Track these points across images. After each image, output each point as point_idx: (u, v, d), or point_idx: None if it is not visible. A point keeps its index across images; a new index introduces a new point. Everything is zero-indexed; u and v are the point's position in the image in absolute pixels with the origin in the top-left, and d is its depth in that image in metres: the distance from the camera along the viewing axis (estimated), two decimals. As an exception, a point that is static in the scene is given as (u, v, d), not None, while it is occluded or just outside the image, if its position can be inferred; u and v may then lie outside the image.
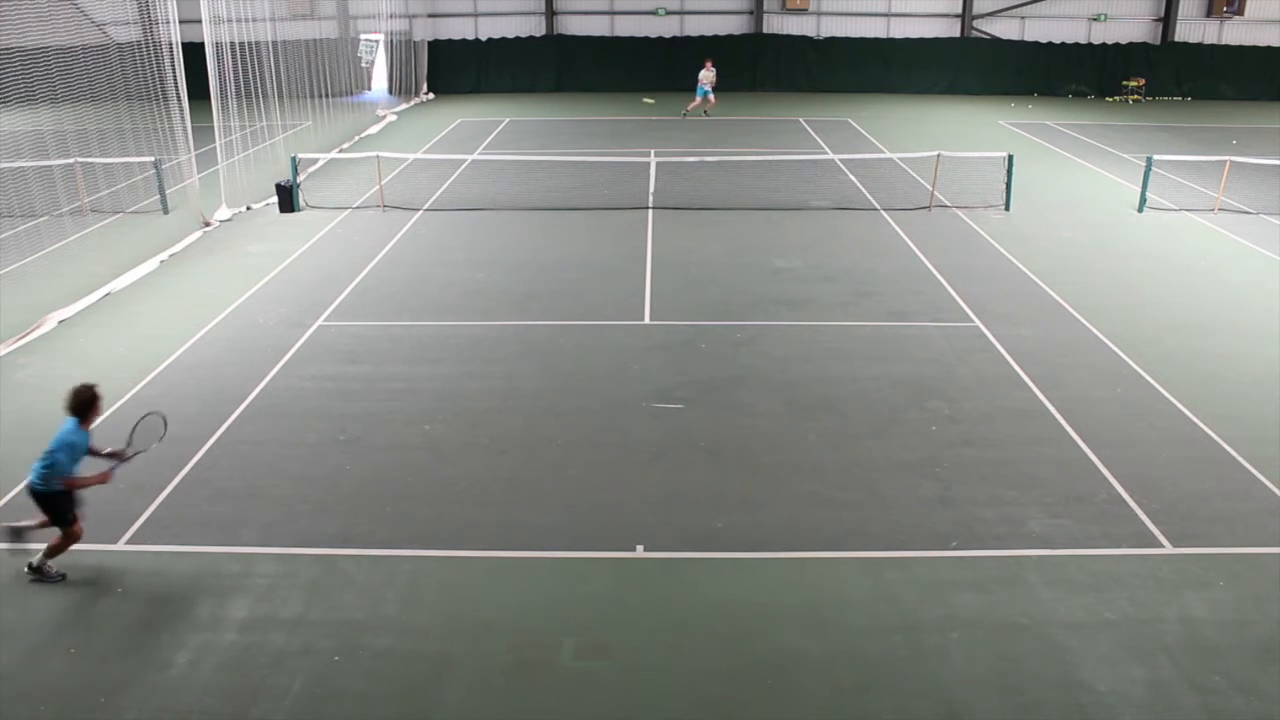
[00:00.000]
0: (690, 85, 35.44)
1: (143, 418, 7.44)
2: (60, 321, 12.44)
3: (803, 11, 36.15)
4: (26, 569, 7.28)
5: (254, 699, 6.08)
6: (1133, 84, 35.19)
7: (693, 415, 9.89)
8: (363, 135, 26.71)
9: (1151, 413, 9.95)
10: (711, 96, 29.97)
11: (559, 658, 6.46)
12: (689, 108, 30.44)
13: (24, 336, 11.82)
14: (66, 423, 7.01)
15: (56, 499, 7.11)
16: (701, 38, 36.25)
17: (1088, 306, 12.96)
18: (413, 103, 33.99)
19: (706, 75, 29.83)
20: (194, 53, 17.08)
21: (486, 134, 27.37)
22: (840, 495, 8.41)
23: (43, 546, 7.29)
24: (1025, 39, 36.33)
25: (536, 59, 36.67)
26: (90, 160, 17.80)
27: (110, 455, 7.25)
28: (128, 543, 7.74)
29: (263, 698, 6.09)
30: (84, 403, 7.01)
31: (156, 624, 6.77)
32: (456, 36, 36.82)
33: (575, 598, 7.08)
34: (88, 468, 7.18)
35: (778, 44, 36.11)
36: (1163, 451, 9.15)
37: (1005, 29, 36.39)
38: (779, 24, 36.43)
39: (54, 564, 7.30)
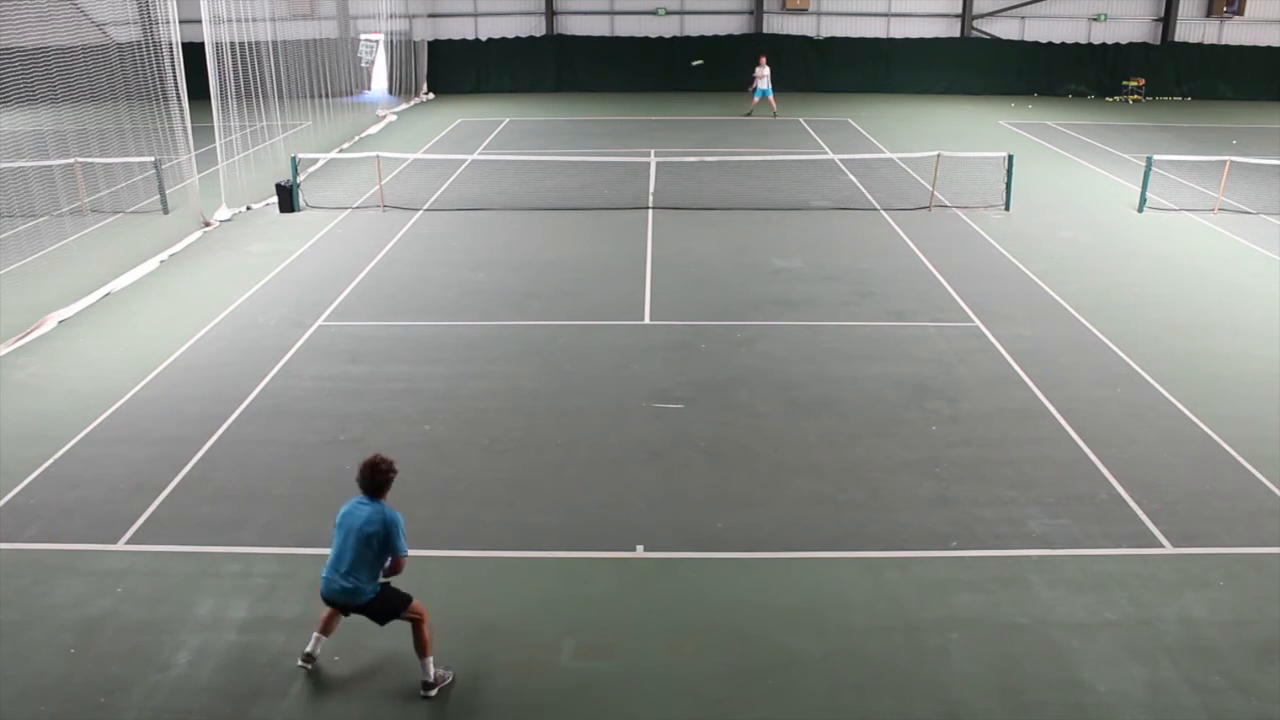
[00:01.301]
0: (691, 85, 35.73)
1: None
2: (60, 321, 12.44)
3: (803, 11, 36.14)
4: (425, 691, 6.15)
5: (254, 699, 6.09)
6: (1133, 84, 35.17)
7: (693, 415, 9.89)
8: (363, 135, 26.70)
9: (1151, 413, 9.95)
10: (771, 97, 30.25)
11: (559, 658, 6.46)
12: (753, 106, 30.69)
13: (24, 336, 11.82)
14: (366, 503, 5.98)
15: (390, 592, 6.12)
16: (701, 38, 36.25)
17: (1088, 306, 12.96)
18: (413, 103, 33.98)
19: (762, 73, 30.10)
20: (194, 53, 17.07)
21: (486, 134, 27.37)
22: (840, 495, 8.41)
23: (424, 664, 6.20)
24: (1025, 39, 36.32)
25: (536, 59, 36.65)
26: (90, 160, 17.80)
27: None
28: (128, 543, 7.73)
29: (263, 698, 6.09)
30: (386, 479, 6.01)
31: (156, 624, 6.76)
32: (456, 36, 36.80)
33: (575, 598, 7.08)
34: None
35: (778, 44, 36.07)
36: (1163, 451, 9.15)
37: (1005, 29, 36.38)
38: (779, 24, 36.43)
39: (433, 660, 6.22)
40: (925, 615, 6.87)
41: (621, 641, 6.63)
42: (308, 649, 6.32)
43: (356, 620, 6.78)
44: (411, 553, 7.52)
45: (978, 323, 12.42)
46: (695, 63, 25.92)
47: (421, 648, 6.13)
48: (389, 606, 6.08)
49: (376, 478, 5.96)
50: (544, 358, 11.35)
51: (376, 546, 5.90)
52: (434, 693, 6.12)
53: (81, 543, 7.71)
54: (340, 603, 6.03)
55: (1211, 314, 12.81)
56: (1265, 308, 13.01)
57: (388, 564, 6.05)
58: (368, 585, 5.94)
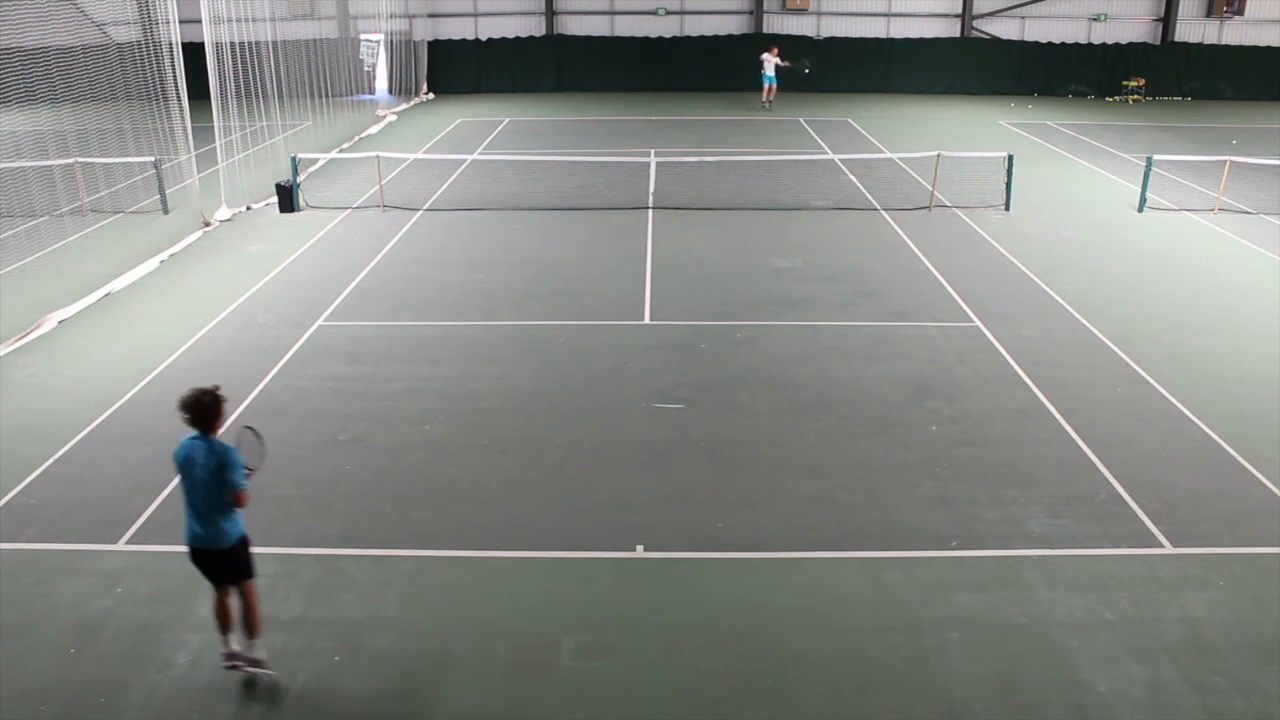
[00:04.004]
0: (691, 85, 35.82)
1: (243, 435, 6.29)
2: (60, 321, 12.44)
3: (803, 11, 36.14)
4: (231, 663, 6.10)
5: (254, 699, 6.08)
6: (1133, 84, 35.17)
7: (693, 415, 9.89)
8: (363, 135, 26.71)
9: (1151, 413, 9.95)
10: (772, 86, 31.24)
11: (559, 658, 6.46)
12: (769, 99, 31.56)
13: (24, 336, 11.82)
14: (199, 440, 5.80)
15: (245, 542, 5.98)
16: (701, 38, 36.25)
17: (1088, 306, 12.97)
18: (413, 103, 33.99)
19: (770, 60, 31.18)
20: (194, 53, 17.07)
21: (486, 134, 27.37)
22: (840, 495, 8.41)
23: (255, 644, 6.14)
24: (1025, 39, 36.32)
25: (536, 59, 36.65)
26: (90, 160, 17.79)
27: None
28: (128, 543, 7.73)
29: (263, 698, 6.09)
30: (212, 411, 5.84)
31: (156, 624, 6.76)
32: (456, 36, 36.80)
33: (575, 598, 7.08)
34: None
35: (778, 44, 36.05)
36: (1163, 451, 9.15)
37: (1005, 29, 36.38)
38: (779, 24, 36.42)
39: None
40: (925, 615, 6.87)
41: (621, 641, 6.63)
42: (225, 650, 6.14)
43: (355, 621, 6.80)
44: (411, 552, 7.62)
45: (978, 323, 12.42)
46: (805, 69, 25.37)
47: (255, 625, 6.12)
48: (244, 560, 6.03)
49: (202, 412, 5.78)
50: (544, 358, 11.35)
51: (219, 485, 5.75)
52: (251, 669, 6.09)
53: (81, 543, 7.71)
54: (204, 549, 5.90)
55: (1211, 314, 12.81)
56: (1265, 308, 13.01)
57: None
58: (227, 527, 5.86)
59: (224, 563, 5.98)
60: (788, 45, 36.09)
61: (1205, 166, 21.01)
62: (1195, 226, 17.29)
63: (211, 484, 5.76)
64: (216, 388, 5.98)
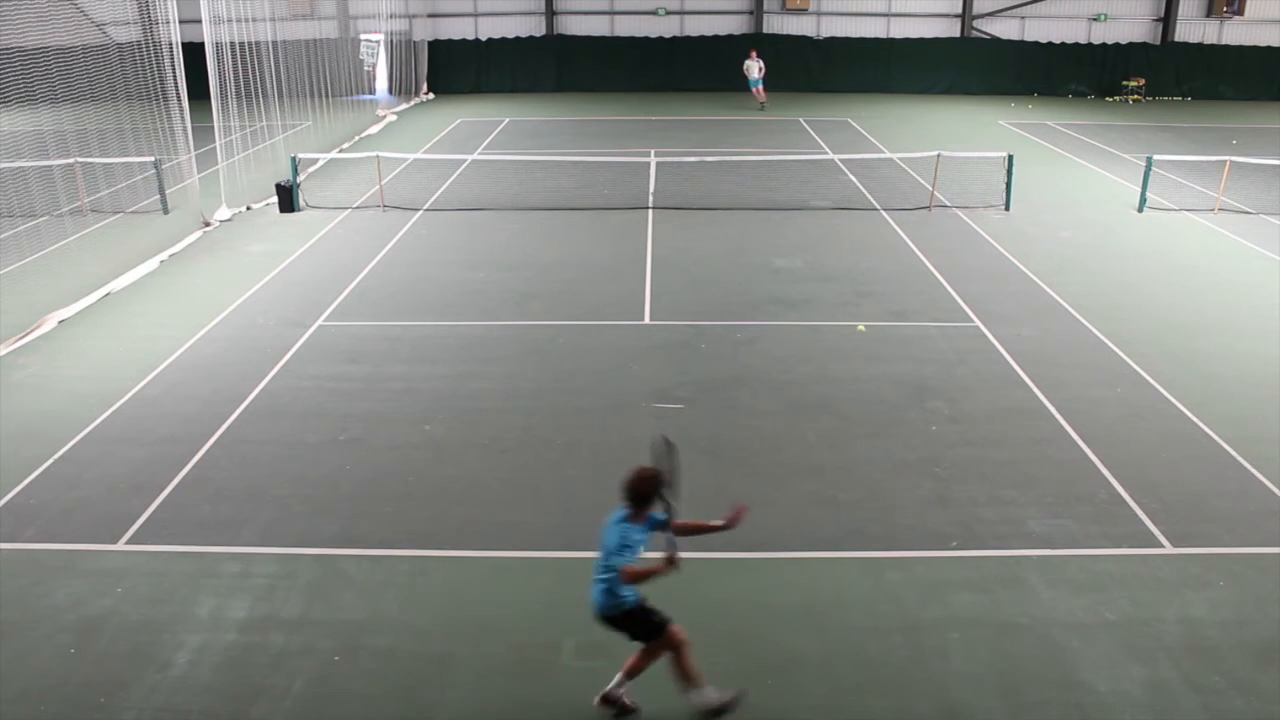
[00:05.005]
0: (691, 85, 35.81)
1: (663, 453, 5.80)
2: (60, 321, 12.45)
3: (803, 11, 36.13)
4: (600, 702, 6.00)
5: (254, 699, 6.08)
6: (1133, 84, 35.17)
7: (693, 415, 9.89)
8: (363, 135, 26.71)
9: (1151, 413, 9.95)
10: (760, 89, 31.66)
11: (559, 658, 6.46)
12: (762, 99, 32.07)
13: (24, 336, 11.83)
14: (620, 513, 5.75)
15: (635, 611, 5.81)
16: (701, 38, 36.25)
17: (1088, 306, 12.96)
18: (413, 103, 33.98)
19: (752, 66, 31.57)
20: (194, 53, 17.07)
21: (486, 134, 27.37)
22: (840, 495, 8.41)
23: (693, 695, 5.92)
24: (1025, 39, 36.31)
25: (536, 59, 36.65)
26: (90, 160, 17.79)
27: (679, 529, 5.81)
28: (128, 543, 7.73)
29: (263, 698, 6.09)
30: (642, 487, 5.65)
31: (156, 624, 6.77)
32: (456, 36, 36.80)
33: (575, 598, 7.04)
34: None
35: (778, 44, 36.07)
36: (1163, 451, 9.15)
37: (1005, 29, 36.37)
38: (779, 24, 36.42)
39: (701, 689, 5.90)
40: (925, 615, 6.87)
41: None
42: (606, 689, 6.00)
43: (355, 621, 6.80)
44: (411, 552, 7.61)
45: (978, 323, 12.42)
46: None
47: (632, 671, 5.92)
48: (638, 625, 5.83)
49: (632, 486, 5.67)
50: (544, 358, 11.35)
51: (604, 555, 5.70)
52: (613, 710, 5.98)
53: (81, 543, 7.71)
54: (597, 616, 5.81)
55: (1211, 314, 12.81)
56: (1265, 308, 13.01)
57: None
58: (611, 599, 5.71)
59: (618, 628, 5.86)
60: (788, 45, 36.16)
61: (1205, 166, 21.00)
62: (1195, 226, 17.29)
63: (604, 556, 5.69)
64: (658, 472, 5.68)
